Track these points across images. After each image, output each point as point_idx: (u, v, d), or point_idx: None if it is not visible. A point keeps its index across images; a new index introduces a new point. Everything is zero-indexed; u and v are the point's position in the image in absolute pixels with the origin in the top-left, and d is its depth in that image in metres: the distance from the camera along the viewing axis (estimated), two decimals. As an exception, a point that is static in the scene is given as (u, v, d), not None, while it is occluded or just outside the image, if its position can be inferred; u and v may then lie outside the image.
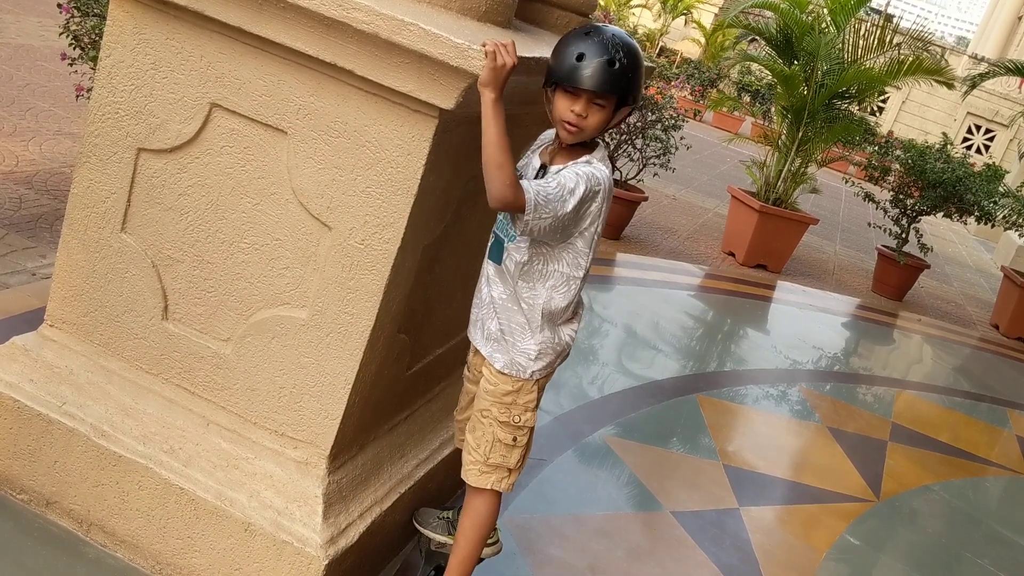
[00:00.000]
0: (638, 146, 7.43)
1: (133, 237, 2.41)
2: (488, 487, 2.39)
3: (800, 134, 8.55)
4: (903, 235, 9.00)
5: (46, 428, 2.43)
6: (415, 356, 2.67)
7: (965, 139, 24.96)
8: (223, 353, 2.39)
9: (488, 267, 2.34)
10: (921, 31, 9.51)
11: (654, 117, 7.41)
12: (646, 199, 7.86)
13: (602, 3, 22.53)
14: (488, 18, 2.33)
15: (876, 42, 8.56)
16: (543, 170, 2.22)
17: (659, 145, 7.41)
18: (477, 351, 2.41)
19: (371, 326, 2.24)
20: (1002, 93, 23.94)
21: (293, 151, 2.22)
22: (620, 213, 7.54)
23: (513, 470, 2.40)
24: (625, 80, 2.11)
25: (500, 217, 2.30)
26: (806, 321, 7.48)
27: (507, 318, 2.30)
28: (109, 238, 2.42)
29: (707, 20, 28.02)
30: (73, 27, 4.24)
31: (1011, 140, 23.65)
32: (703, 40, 26.67)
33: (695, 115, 17.42)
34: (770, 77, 11.00)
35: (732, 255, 8.71)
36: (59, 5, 4.22)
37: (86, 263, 2.46)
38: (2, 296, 3.47)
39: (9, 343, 2.56)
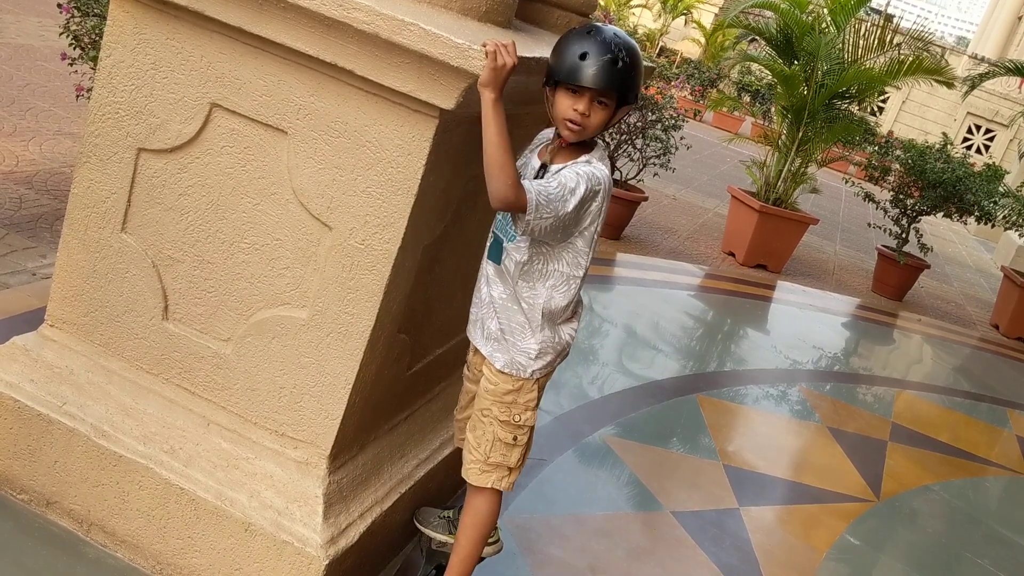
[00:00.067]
0: (638, 146, 7.43)
1: (133, 237, 2.41)
2: (489, 486, 2.39)
3: (800, 134, 8.55)
4: (903, 235, 9.00)
5: (46, 428, 2.44)
6: (415, 356, 2.67)
7: (965, 139, 24.96)
8: (223, 353, 2.39)
9: (488, 267, 2.34)
10: (921, 31, 9.51)
11: (654, 117, 7.41)
12: (646, 199, 7.87)
13: (602, 3, 22.53)
14: (488, 18, 2.33)
15: (876, 42, 8.56)
16: (543, 169, 2.22)
17: (659, 145, 7.41)
18: (477, 350, 2.41)
19: (371, 326, 2.24)
20: (1002, 93, 23.94)
21: (293, 151, 2.22)
22: (620, 213, 7.54)
23: (513, 469, 2.40)
24: (627, 79, 2.12)
25: (499, 217, 2.31)
26: (806, 321, 7.48)
27: (507, 318, 2.30)
28: (109, 238, 2.42)
29: (707, 20, 28.02)
30: (73, 27, 4.24)
31: (1011, 140, 23.65)
32: (703, 40, 26.68)
33: (695, 115, 17.42)
34: (770, 77, 11.00)
35: (732, 255, 8.71)
36: (59, 5, 4.22)
37: (86, 263, 2.46)
38: (2, 296, 3.47)
39: (9, 343, 2.56)
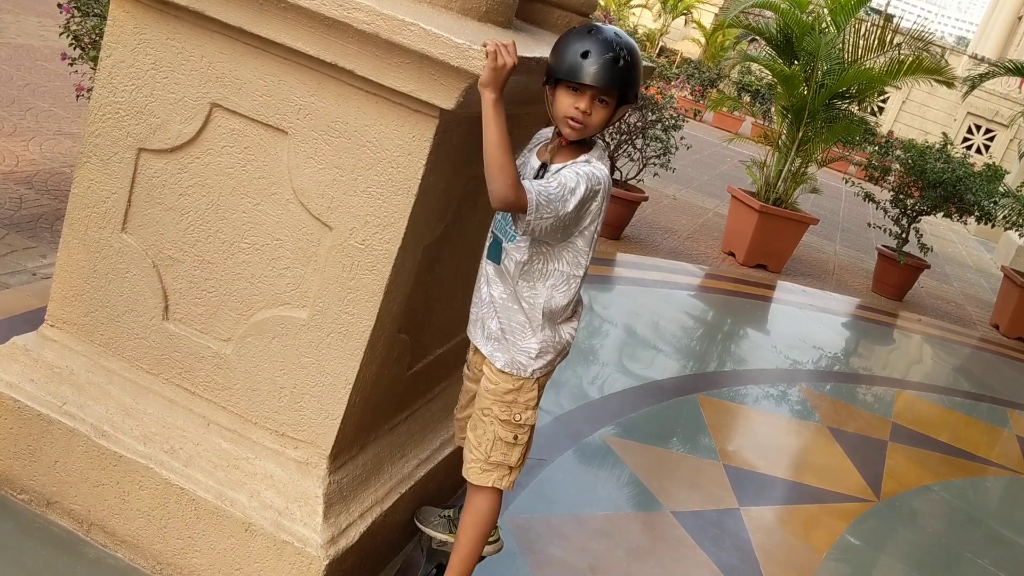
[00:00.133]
0: (638, 146, 7.43)
1: (134, 237, 2.41)
2: (489, 485, 2.39)
3: (800, 134, 8.55)
4: (903, 235, 9.00)
5: (46, 428, 2.44)
6: (415, 356, 2.67)
7: (965, 139, 24.96)
8: (224, 353, 2.39)
9: (487, 267, 2.34)
10: (921, 31, 9.51)
11: (654, 117, 7.41)
12: (646, 199, 7.86)
13: (602, 3, 22.52)
14: (489, 18, 2.33)
15: (876, 42, 8.56)
16: (543, 169, 2.23)
17: (659, 145, 7.41)
18: (477, 350, 2.41)
19: (371, 326, 2.24)
20: (1002, 93, 23.93)
21: (294, 151, 2.22)
22: (620, 213, 7.54)
23: (514, 468, 2.40)
24: (628, 77, 2.13)
25: (498, 217, 2.31)
26: (806, 321, 7.48)
27: (507, 317, 2.31)
28: (110, 238, 2.42)
29: (707, 20, 28.02)
30: (73, 27, 4.24)
31: (1011, 140, 23.64)
32: (703, 40, 26.67)
33: (695, 115, 17.42)
34: (770, 77, 11.00)
35: (732, 255, 8.71)
36: (59, 5, 4.22)
37: (87, 263, 2.46)
38: (2, 296, 3.47)
39: (9, 343, 2.56)
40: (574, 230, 2.21)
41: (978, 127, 25.18)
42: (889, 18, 21.99)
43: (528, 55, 2.13)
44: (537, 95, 2.26)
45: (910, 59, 8.58)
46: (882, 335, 7.94)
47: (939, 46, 23.16)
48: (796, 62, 8.53)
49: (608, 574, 3.10)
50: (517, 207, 2.05)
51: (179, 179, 2.34)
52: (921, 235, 9.16)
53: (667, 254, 7.91)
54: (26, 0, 8.99)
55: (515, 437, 2.37)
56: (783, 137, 8.82)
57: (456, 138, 2.22)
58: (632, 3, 28.63)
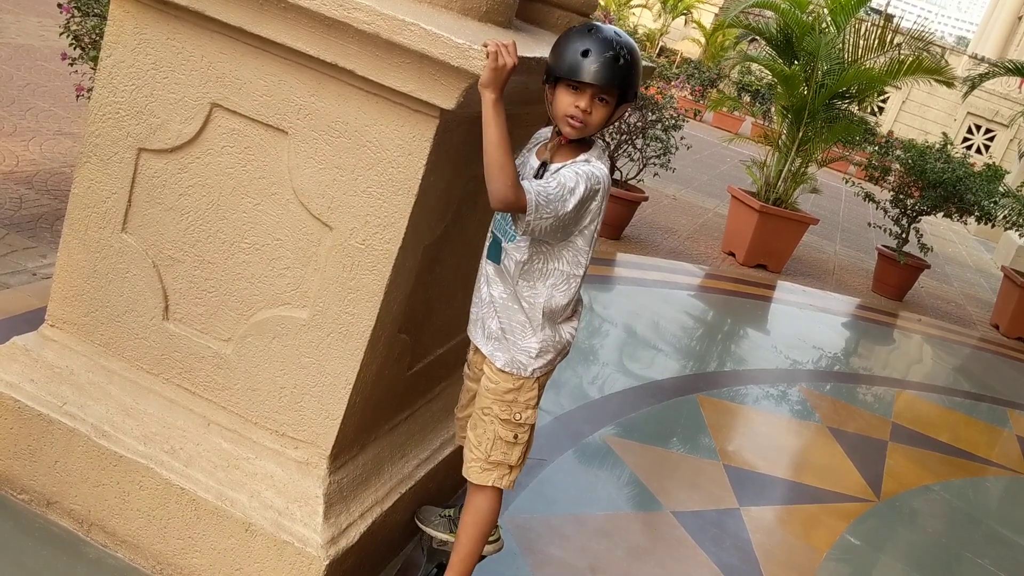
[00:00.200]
0: (638, 146, 7.43)
1: (134, 237, 2.41)
2: (489, 484, 2.39)
3: (800, 134, 8.55)
4: (903, 235, 9.00)
5: (47, 428, 2.44)
6: (416, 356, 2.67)
7: (965, 139, 24.96)
8: (224, 353, 2.39)
9: (487, 267, 2.34)
10: (921, 31, 9.50)
11: (654, 117, 7.41)
12: (646, 199, 7.86)
13: (602, 3, 22.52)
14: (489, 18, 2.33)
15: (876, 42, 8.56)
16: (543, 168, 2.23)
17: (659, 145, 7.41)
18: (477, 349, 2.41)
19: (372, 326, 2.24)
20: (1002, 93, 23.93)
21: (294, 151, 2.22)
22: (620, 213, 7.54)
23: (514, 467, 2.40)
24: (628, 76, 2.13)
25: (498, 217, 2.31)
26: (806, 321, 7.48)
27: (508, 317, 2.31)
28: (110, 238, 2.42)
29: (707, 20, 28.01)
30: (73, 27, 4.24)
31: (1011, 140, 23.64)
32: (703, 40, 26.67)
33: (695, 115, 17.42)
34: (770, 77, 11.00)
35: (732, 255, 8.71)
36: (59, 5, 4.22)
37: (87, 263, 2.46)
38: (2, 296, 3.47)
39: (10, 343, 2.56)
40: (574, 229, 2.21)
41: (978, 127, 25.18)
42: (889, 18, 21.99)
43: (528, 55, 2.13)
44: (537, 95, 2.26)
45: (910, 59, 8.58)
46: (882, 335, 7.94)
47: (939, 46, 23.16)
48: (796, 62, 8.53)
49: (608, 574, 3.10)
50: (516, 207, 2.05)
51: (179, 179, 2.34)
52: (921, 235, 9.16)
53: (667, 254, 7.91)
54: (26, 0, 8.99)
55: (515, 436, 2.37)
56: (783, 137, 8.82)
57: (456, 138, 2.22)
58: (632, 3, 28.63)
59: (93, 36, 4.21)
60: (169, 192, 2.35)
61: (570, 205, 2.11)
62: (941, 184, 8.64)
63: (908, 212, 9.00)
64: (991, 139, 24.88)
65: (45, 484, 2.48)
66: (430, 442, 2.84)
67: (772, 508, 4.03)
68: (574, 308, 2.36)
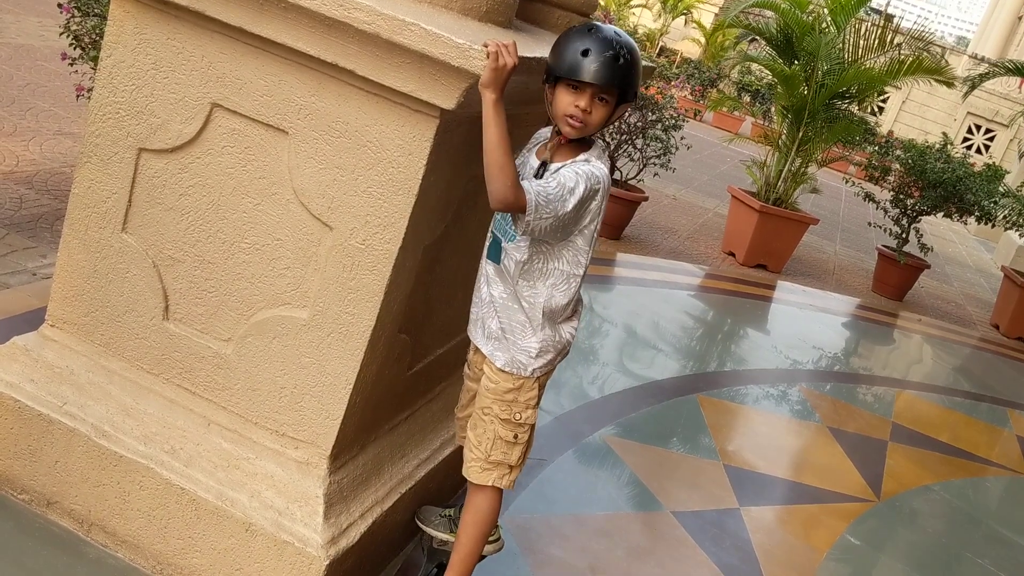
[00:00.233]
0: (638, 146, 7.43)
1: (134, 237, 2.41)
2: (489, 484, 2.39)
3: (800, 134, 8.55)
4: (903, 235, 9.00)
5: (47, 428, 2.44)
6: (416, 356, 2.67)
7: (965, 139, 24.95)
8: (224, 353, 2.39)
9: (487, 267, 2.34)
10: (921, 31, 9.50)
11: (654, 117, 7.41)
12: (646, 199, 7.86)
13: (602, 3, 22.52)
14: (489, 18, 2.33)
15: (876, 42, 8.56)
16: (543, 167, 2.23)
17: (659, 145, 7.41)
18: (478, 349, 2.41)
19: (372, 326, 2.25)
20: (1002, 93, 23.93)
21: (294, 151, 2.22)
22: (620, 213, 7.54)
23: (514, 467, 2.40)
24: (628, 75, 2.13)
25: (497, 217, 2.31)
26: (806, 321, 7.48)
27: (508, 317, 2.31)
28: (110, 238, 2.42)
29: (707, 20, 28.01)
30: (73, 27, 4.24)
31: (1011, 140, 23.64)
32: (703, 40, 26.67)
33: (695, 115, 17.42)
34: (770, 77, 11.00)
35: (732, 255, 8.71)
36: (59, 5, 4.22)
37: (87, 263, 2.46)
38: (3, 296, 3.47)
39: (10, 343, 2.56)
40: (573, 229, 2.21)
41: (978, 127, 25.18)
42: (889, 18, 22.00)
43: (528, 55, 2.13)
44: (537, 95, 2.26)
45: (910, 59, 8.58)
46: (882, 335, 7.94)
47: (939, 46, 23.15)
48: (796, 62, 8.53)
49: (608, 574, 3.10)
50: (516, 208, 2.05)
51: (179, 179, 2.34)
52: (921, 235, 9.17)
53: (667, 254, 7.91)
54: (26, 0, 8.99)
55: (515, 436, 2.37)
56: (783, 137, 8.82)
57: (456, 138, 2.22)
58: (632, 3, 28.63)
59: (93, 36, 4.21)
60: (169, 192, 2.35)
61: (570, 205, 2.11)
62: (941, 184, 8.64)
63: (908, 212, 9.00)
64: (991, 139, 24.88)
65: (45, 484, 2.48)
66: (430, 442, 2.84)
67: (772, 508, 4.03)
68: (574, 308, 2.36)
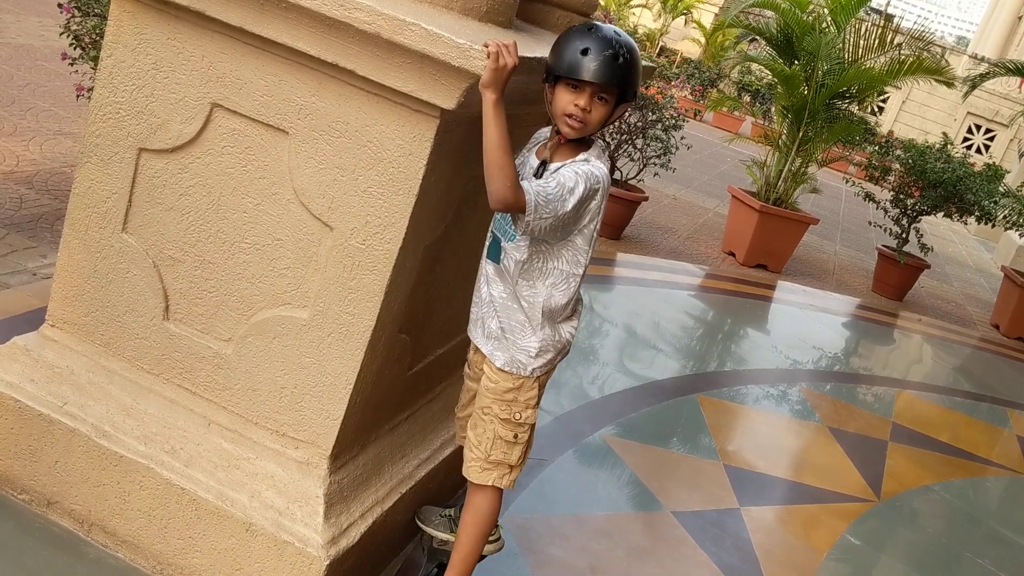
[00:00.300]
0: (638, 146, 7.43)
1: (134, 237, 2.41)
2: (489, 484, 2.39)
3: (800, 134, 8.55)
4: (903, 235, 9.00)
5: (47, 428, 2.44)
6: (416, 356, 2.67)
7: (965, 139, 24.95)
8: (224, 353, 2.39)
9: (487, 266, 2.34)
10: (921, 31, 9.49)
11: (654, 117, 7.41)
12: (646, 199, 7.86)
13: (602, 3, 22.51)
14: (489, 18, 2.33)
15: (876, 42, 8.56)
16: (543, 166, 2.23)
17: (659, 145, 7.41)
18: (478, 349, 2.41)
19: (372, 326, 2.25)
20: (1002, 93, 23.93)
21: (294, 151, 2.22)
22: (620, 213, 7.53)
23: (514, 467, 2.40)
24: (628, 74, 2.13)
25: (497, 217, 2.31)
26: (806, 321, 7.48)
27: (507, 316, 2.31)
28: (110, 238, 2.42)
29: (707, 20, 28.01)
30: (74, 27, 4.24)
31: (1011, 140, 23.65)
32: (703, 40, 26.67)
33: (695, 115, 17.41)
34: (770, 77, 11.00)
35: (732, 255, 8.71)
36: (60, 5, 4.22)
37: (87, 263, 2.46)
38: (3, 296, 3.47)
39: (10, 343, 2.56)
40: (573, 229, 2.21)
41: (978, 127, 25.18)
42: (889, 18, 22.00)
43: (529, 55, 2.14)
44: (537, 95, 2.26)
45: (910, 59, 8.58)
46: (882, 335, 7.94)
47: (939, 46, 23.15)
48: (796, 62, 8.53)
49: (608, 574, 3.10)
50: (516, 208, 2.05)
51: (180, 179, 2.34)
52: (921, 235, 9.16)
53: (667, 254, 7.91)
54: (26, 0, 8.99)
55: (515, 436, 2.37)
56: (783, 137, 8.82)
57: (456, 138, 2.22)
58: (632, 3, 28.63)
59: (93, 36, 4.21)
60: (170, 192, 2.35)
61: (569, 205, 2.11)
62: (941, 184, 8.64)
63: (908, 212, 9.00)
64: (991, 139, 24.88)
65: (46, 484, 2.48)
66: (430, 442, 2.84)
67: (772, 508, 4.03)
68: (574, 307, 2.36)
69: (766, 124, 11.97)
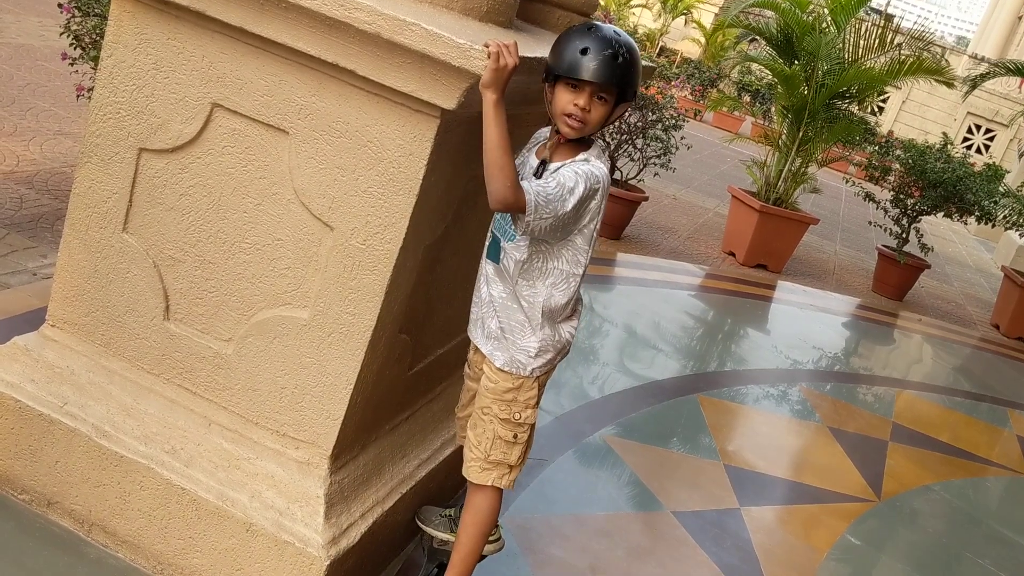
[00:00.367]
0: (638, 146, 7.43)
1: (135, 237, 2.41)
2: (489, 484, 2.39)
3: (800, 134, 8.55)
4: (903, 235, 9.00)
5: (47, 428, 2.44)
6: (416, 356, 2.67)
7: (965, 139, 24.95)
8: (224, 353, 2.39)
9: (487, 266, 2.34)
10: (921, 31, 9.49)
11: (654, 117, 7.41)
12: (646, 199, 7.86)
13: (602, 3, 22.50)
14: (490, 18, 2.33)
15: (876, 42, 8.56)
16: (543, 166, 2.23)
17: (659, 145, 7.41)
18: (477, 349, 2.41)
19: (372, 326, 2.25)
20: (1002, 93, 23.93)
21: (295, 151, 2.22)
22: (620, 213, 7.53)
23: (514, 467, 2.40)
24: (627, 74, 2.13)
25: (497, 217, 2.31)
26: (806, 321, 7.48)
27: (507, 316, 2.31)
28: (111, 238, 2.42)
29: (707, 20, 28.01)
30: (74, 27, 4.24)
31: (1011, 140, 23.65)
32: (703, 40, 26.67)
33: (695, 115, 17.41)
34: (770, 77, 11.00)
35: (732, 255, 8.71)
36: (60, 5, 4.22)
37: (87, 263, 2.46)
38: (3, 296, 3.47)
39: (10, 343, 2.56)
40: (573, 228, 2.21)
41: (978, 127, 25.18)
42: (889, 18, 22.00)
43: (529, 55, 2.14)
44: (537, 95, 2.26)
45: (910, 59, 8.58)
46: (882, 335, 7.94)
47: (939, 46, 23.14)
48: (796, 62, 8.53)
49: (608, 574, 3.10)
50: (516, 208, 2.05)
51: (180, 179, 2.34)
52: (921, 235, 9.16)
53: (667, 254, 7.91)
54: (26, 0, 8.99)
55: (515, 436, 2.37)
56: (783, 137, 8.82)
57: (456, 138, 2.22)
58: (632, 3, 28.64)
59: (93, 36, 4.21)
60: (170, 192, 2.35)
61: (569, 205, 2.11)
62: (941, 184, 8.64)
63: (908, 212, 9.00)
64: (991, 139, 24.88)
65: (46, 484, 2.48)
66: (431, 442, 2.84)
67: (772, 508, 4.03)
68: (574, 307, 2.36)
69: (766, 124, 11.96)
